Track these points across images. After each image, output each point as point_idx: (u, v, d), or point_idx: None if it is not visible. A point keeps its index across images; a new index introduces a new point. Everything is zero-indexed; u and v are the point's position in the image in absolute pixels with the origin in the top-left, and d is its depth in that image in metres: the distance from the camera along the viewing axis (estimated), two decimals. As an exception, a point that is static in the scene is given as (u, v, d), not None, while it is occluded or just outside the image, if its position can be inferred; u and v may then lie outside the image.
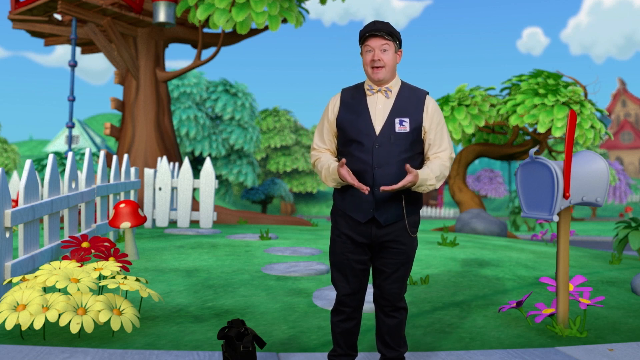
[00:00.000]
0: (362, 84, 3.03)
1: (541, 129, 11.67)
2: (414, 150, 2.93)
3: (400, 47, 2.96)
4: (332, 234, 3.06)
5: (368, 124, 2.91)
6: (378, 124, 2.92)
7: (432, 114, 2.96)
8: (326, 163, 2.98)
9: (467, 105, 12.69)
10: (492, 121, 12.59)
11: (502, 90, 13.57)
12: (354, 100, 2.98)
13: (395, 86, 2.97)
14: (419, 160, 2.98)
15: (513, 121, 11.91)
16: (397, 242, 2.95)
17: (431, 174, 2.88)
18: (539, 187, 4.01)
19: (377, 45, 2.88)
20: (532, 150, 4.01)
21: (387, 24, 2.90)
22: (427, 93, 3.01)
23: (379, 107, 2.94)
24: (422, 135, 2.97)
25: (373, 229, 2.95)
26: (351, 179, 2.81)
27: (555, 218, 3.92)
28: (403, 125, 2.90)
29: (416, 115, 2.92)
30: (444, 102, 13.08)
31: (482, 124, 12.39)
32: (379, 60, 2.88)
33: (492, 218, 11.65)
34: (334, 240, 3.03)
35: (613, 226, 31.10)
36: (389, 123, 2.90)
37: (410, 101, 2.95)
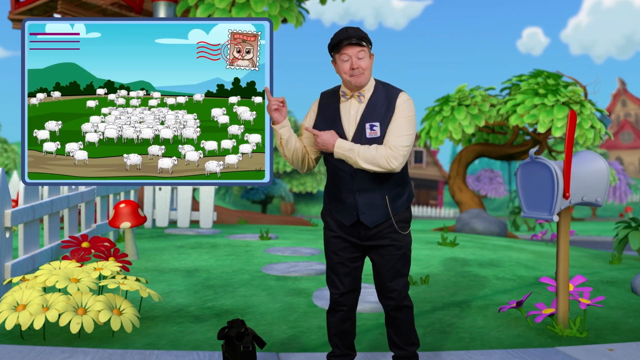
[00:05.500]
0: (339, 88, 3.02)
1: (541, 129, 11.67)
2: None
3: (371, 50, 2.94)
4: (325, 235, 3.08)
5: (340, 132, 2.92)
6: (350, 131, 2.91)
7: (399, 108, 2.89)
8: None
9: (467, 105, 12.68)
10: (492, 121, 12.59)
11: (502, 90, 13.56)
12: (329, 107, 2.99)
13: (368, 90, 2.94)
14: None
15: (513, 121, 11.91)
16: (389, 239, 2.96)
17: (357, 150, 2.82)
18: (539, 187, 4.01)
19: (354, 53, 2.86)
20: (532, 150, 4.01)
21: (358, 29, 2.88)
22: (401, 91, 2.95)
23: (352, 114, 2.93)
24: None
25: (362, 230, 2.96)
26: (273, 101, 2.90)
27: (555, 218, 3.92)
28: (374, 130, 2.89)
29: (386, 118, 2.88)
30: (444, 102, 13.07)
31: (482, 124, 12.39)
32: (358, 68, 2.86)
33: (492, 218, 11.65)
34: (328, 241, 3.06)
35: (613, 226, 31.09)
36: (359, 129, 2.89)
37: (381, 103, 2.91)
